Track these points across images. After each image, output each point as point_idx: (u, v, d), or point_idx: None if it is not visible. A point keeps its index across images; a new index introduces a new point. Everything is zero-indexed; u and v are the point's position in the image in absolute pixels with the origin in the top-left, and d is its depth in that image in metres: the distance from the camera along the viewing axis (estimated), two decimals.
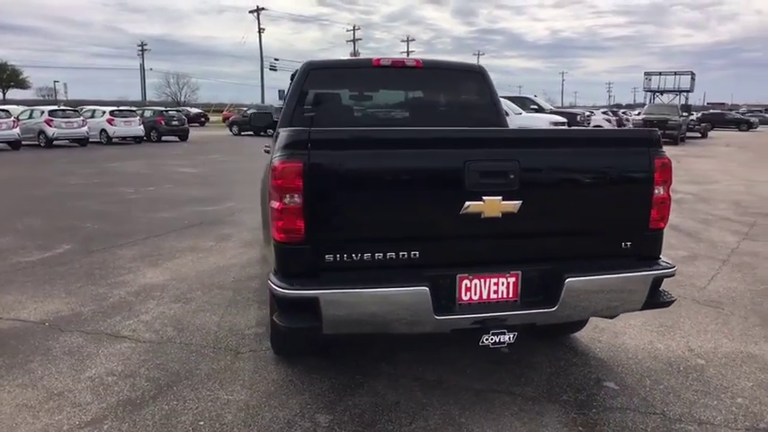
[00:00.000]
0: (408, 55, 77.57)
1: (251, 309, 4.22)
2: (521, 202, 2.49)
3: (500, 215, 2.50)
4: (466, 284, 2.55)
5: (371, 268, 2.48)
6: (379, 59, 4.25)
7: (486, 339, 2.51)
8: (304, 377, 3.14)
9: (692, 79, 30.77)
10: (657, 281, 2.69)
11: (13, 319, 4.00)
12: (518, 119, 16.88)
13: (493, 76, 4.36)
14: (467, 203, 2.47)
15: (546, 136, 2.87)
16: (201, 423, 2.67)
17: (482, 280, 2.57)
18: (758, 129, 42.95)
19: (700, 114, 37.18)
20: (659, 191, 2.68)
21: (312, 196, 2.38)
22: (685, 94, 30.64)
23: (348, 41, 70.02)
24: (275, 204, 2.44)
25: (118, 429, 2.61)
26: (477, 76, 4.40)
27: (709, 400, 2.91)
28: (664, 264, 2.72)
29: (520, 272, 2.59)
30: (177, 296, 4.49)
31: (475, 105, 4.39)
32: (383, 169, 2.47)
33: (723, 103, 67.34)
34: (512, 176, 2.49)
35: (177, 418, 2.72)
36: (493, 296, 2.59)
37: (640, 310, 2.75)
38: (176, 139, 26.63)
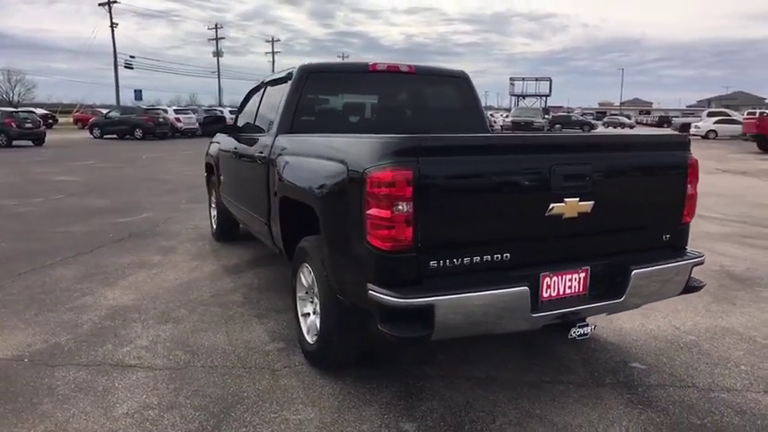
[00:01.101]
0: (273, 56, 76.46)
1: (252, 324, 3.99)
2: (593, 202, 2.68)
3: (576, 215, 2.67)
4: (547, 282, 2.69)
5: (470, 272, 2.52)
6: (375, 64, 4.25)
7: (575, 332, 2.67)
8: (360, 388, 3.07)
9: (550, 85, 33.96)
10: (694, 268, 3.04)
11: None
12: None
13: None
14: (551, 205, 2.61)
15: (612, 141, 3.09)
16: None
17: (560, 277, 2.72)
18: (598, 129, 48.49)
19: (550, 117, 41.05)
20: (690, 188, 3.02)
21: (420, 204, 2.37)
22: (545, 98, 33.71)
23: (210, 40, 66.88)
24: (381, 213, 2.37)
25: None
26: (463, 81, 4.57)
27: (720, 370, 3.34)
28: (695, 253, 3.07)
29: (589, 267, 2.79)
30: (161, 317, 4.11)
31: (463, 109, 4.56)
32: (482, 174, 2.52)
33: (561, 107, 74.52)
34: (587, 179, 2.67)
35: None
36: (567, 291, 2.75)
37: (678, 294, 3.08)
38: (30, 143, 23.76)
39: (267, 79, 4.82)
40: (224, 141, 5.72)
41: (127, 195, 10.06)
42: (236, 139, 5.17)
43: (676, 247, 3.07)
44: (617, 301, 2.78)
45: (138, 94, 53.76)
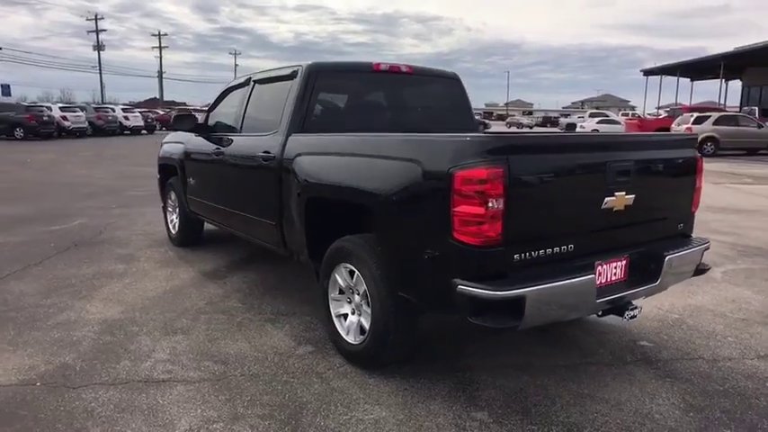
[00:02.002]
0: (161, 51, 72.43)
1: (267, 329, 3.88)
2: (634, 195, 2.94)
3: (623, 208, 2.91)
4: (599, 270, 2.90)
5: (543, 264, 2.66)
6: (378, 64, 4.28)
7: (628, 315, 2.91)
8: (413, 384, 3.11)
9: None
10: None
11: None
12: None
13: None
14: (606, 199, 2.83)
15: (648, 139, 3.34)
16: None
17: (608, 265, 2.94)
18: (491, 128, 51.11)
19: None
20: (698, 181, 3.39)
21: (508, 200, 2.47)
22: None
23: (90, 32, 62.03)
24: (472, 209, 2.44)
25: None
26: (455, 82, 4.73)
27: (713, 342, 3.76)
28: (701, 239, 3.44)
29: (628, 255, 3.04)
30: (165, 328, 3.87)
31: (456, 108, 4.71)
32: (558, 171, 2.67)
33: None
34: (631, 174, 2.92)
35: None
36: (613, 278, 2.98)
37: (690, 277, 3.43)
38: None
39: (256, 77, 4.66)
40: (193, 142, 5.45)
41: (45, 201, 9.18)
42: (213, 140, 4.97)
43: (686, 235, 3.43)
44: (653, 285, 3.05)
45: (5, 90, 48.63)
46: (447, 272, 2.57)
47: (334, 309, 3.46)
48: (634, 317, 2.95)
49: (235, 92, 5.14)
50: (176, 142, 6.00)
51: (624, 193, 2.89)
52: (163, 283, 4.87)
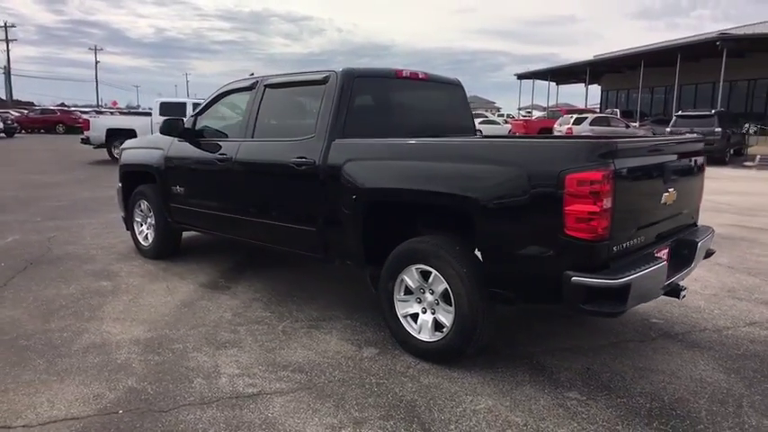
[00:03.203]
0: (8, 45, 64.86)
1: (319, 335, 3.87)
2: (677, 191, 3.39)
3: (671, 203, 3.35)
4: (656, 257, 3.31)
5: (629, 254, 3.01)
6: (401, 71, 4.41)
7: (682, 295, 3.34)
8: (496, 374, 3.30)
9: None
10: None
11: (52, 421, 2.75)
12: None
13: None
14: (663, 195, 3.25)
15: (680, 140, 3.77)
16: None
17: (660, 252, 3.36)
18: None
19: None
20: (704, 178, 3.94)
21: (614, 198, 2.77)
22: None
23: None
24: (587, 208, 2.71)
25: None
26: (459, 88, 4.99)
27: (706, 316, 4.35)
28: (708, 227, 4.00)
29: (669, 243, 3.48)
30: (211, 343, 3.72)
31: (461, 112, 4.97)
32: (641, 171, 3.02)
33: None
34: (677, 172, 3.37)
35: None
36: None
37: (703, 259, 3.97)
38: None
39: (268, 82, 4.56)
40: (178, 147, 5.20)
41: None
42: (210, 146, 4.81)
43: (695, 224, 3.97)
44: (690, 268, 3.53)
45: None
46: (558, 265, 2.81)
47: (402, 309, 3.55)
48: (685, 296, 3.39)
49: (234, 96, 4.99)
50: (150, 148, 5.66)
51: (673, 189, 3.32)
52: (168, 298, 4.61)
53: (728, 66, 26.13)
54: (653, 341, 3.85)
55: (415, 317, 3.52)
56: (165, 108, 17.11)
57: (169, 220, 5.50)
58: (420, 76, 4.55)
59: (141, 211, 5.87)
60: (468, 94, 5.23)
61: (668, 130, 20.55)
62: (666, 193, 3.26)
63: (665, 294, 3.35)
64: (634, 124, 28.19)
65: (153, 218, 5.68)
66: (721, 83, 25.84)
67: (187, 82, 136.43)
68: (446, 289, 3.29)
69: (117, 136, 17.00)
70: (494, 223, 3.06)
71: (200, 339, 3.77)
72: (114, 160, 16.80)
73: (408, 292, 3.54)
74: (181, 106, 17.13)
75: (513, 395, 3.06)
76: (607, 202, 2.73)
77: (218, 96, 5.13)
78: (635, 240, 3.06)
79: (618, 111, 33.27)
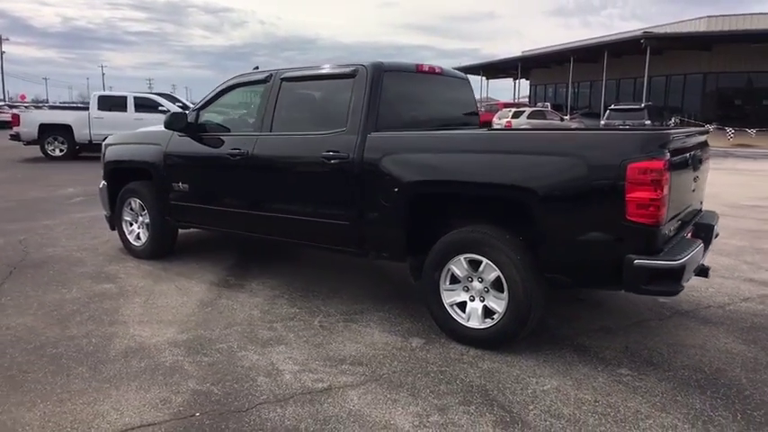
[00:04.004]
0: None
1: (359, 328, 3.88)
2: (698, 179, 3.67)
3: (694, 190, 3.63)
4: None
5: (671, 239, 3.24)
6: (421, 65, 4.48)
7: (709, 275, 3.62)
8: (546, 356, 3.45)
9: None
10: None
11: (130, 428, 2.63)
12: None
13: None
14: (693, 183, 3.51)
15: (700, 131, 4.02)
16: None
17: (688, 235, 3.63)
18: None
19: None
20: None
21: (668, 187, 2.97)
22: None
23: None
24: (649, 195, 2.90)
25: None
26: (467, 83, 5.12)
27: (704, 294, 4.71)
28: (713, 211, 4.33)
29: (692, 227, 3.76)
30: (253, 341, 3.65)
31: (468, 106, 5.10)
32: (684, 160, 3.25)
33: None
34: (699, 161, 3.64)
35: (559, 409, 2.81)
36: None
37: None
38: None
39: (284, 75, 4.48)
40: (180, 142, 5.02)
41: None
42: (218, 141, 4.71)
43: (701, 210, 4.30)
44: (709, 249, 3.82)
45: None
46: (619, 250, 2.99)
47: (449, 299, 3.63)
48: (709, 276, 3.68)
49: (244, 90, 4.88)
50: (144, 143, 5.42)
51: (698, 176, 3.60)
52: (183, 299, 4.46)
53: (648, 62, 27.91)
54: (669, 319, 4.14)
55: (461, 305, 3.61)
56: (104, 102, 16.25)
57: (167, 218, 5.29)
58: (436, 71, 4.64)
59: (132, 209, 5.61)
60: None
61: (603, 123, 21.74)
62: (695, 182, 3.53)
63: (696, 275, 3.62)
64: (566, 117, 29.55)
65: (147, 216, 5.44)
66: (645, 78, 27.54)
67: (103, 74, 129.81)
68: (498, 276, 3.40)
69: (51, 132, 15.97)
70: (553, 212, 3.20)
71: (241, 338, 3.69)
72: (49, 158, 15.80)
73: (454, 281, 3.62)
74: (122, 100, 16.33)
75: (571, 375, 3.22)
76: (666, 189, 2.93)
77: (223, 90, 4.98)
78: (675, 225, 3.30)
79: (549, 104, 34.72)
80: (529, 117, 25.17)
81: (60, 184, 10.97)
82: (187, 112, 5.06)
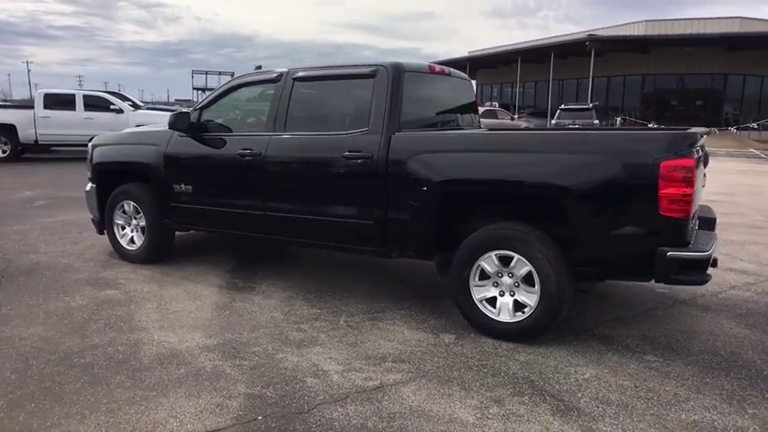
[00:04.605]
0: None
1: (385, 327, 3.92)
2: (705, 175, 3.93)
3: (704, 184, 3.88)
4: None
5: (693, 230, 3.46)
6: (434, 66, 4.56)
7: (717, 265, 3.86)
8: (575, 347, 3.60)
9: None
10: None
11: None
12: (137, 116, 15.97)
13: None
14: (703, 179, 3.75)
15: (703, 134, 4.26)
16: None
17: (700, 229, 3.87)
18: None
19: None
20: None
21: (697, 183, 3.18)
22: None
23: None
24: (682, 190, 3.09)
25: None
26: (469, 83, 5.24)
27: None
28: (707, 204, 4.62)
29: (698, 219, 4.01)
30: (287, 343, 3.63)
31: (469, 106, 5.22)
32: (702, 159, 3.46)
33: (189, 100, 65.42)
34: (706, 159, 3.89)
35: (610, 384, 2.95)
36: None
37: None
38: None
39: (296, 75, 4.45)
40: (181, 142, 4.91)
41: None
42: (223, 141, 4.66)
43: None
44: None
45: None
46: (653, 243, 3.17)
47: (478, 294, 3.73)
48: (717, 266, 3.94)
49: (251, 89, 4.83)
50: (140, 144, 5.26)
51: (705, 174, 3.84)
52: (197, 303, 4.36)
53: (589, 64, 29.07)
54: (673, 308, 4.39)
55: (491, 301, 3.71)
56: (51, 100, 15.47)
57: (167, 220, 5.15)
58: (446, 72, 4.73)
59: (124, 212, 5.41)
60: None
61: (553, 122, 22.49)
62: (704, 177, 3.77)
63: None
64: (514, 116, 30.37)
65: (143, 219, 5.27)
66: (590, 79, 28.69)
67: (29, 71, 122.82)
68: (529, 271, 3.53)
69: None
70: (588, 208, 3.35)
71: (273, 341, 3.66)
72: None
73: (483, 277, 3.72)
74: (70, 98, 15.62)
75: (605, 363, 3.38)
76: (695, 186, 3.13)
77: (227, 90, 4.90)
78: (695, 220, 3.52)
79: (497, 104, 35.56)
80: (481, 116, 25.69)
81: (14, 188, 10.39)
82: (188, 111, 4.93)
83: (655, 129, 4.62)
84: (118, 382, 3.08)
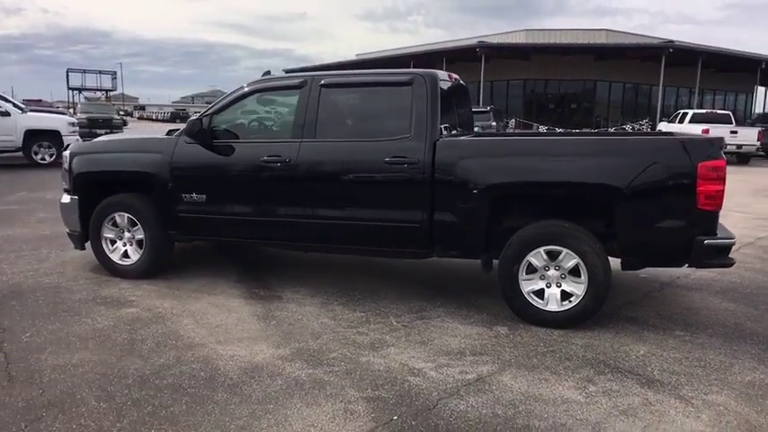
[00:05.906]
0: None
1: (437, 323, 4.10)
2: None
3: None
4: None
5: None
6: (451, 75, 4.81)
7: None
8: (611, 333, 4.03)
9: (114, 78, 31.85)
10: None
11: None
12: (27, 118, 14.66)
13: None
14: None
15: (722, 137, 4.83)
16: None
17: None
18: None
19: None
20: None
21: None
22: (107, 92, 31.50)
23: None
24: (716, 187, 3.63)
25: None
26: (464, 87, 5.54)
27: (684, 273, 5.70)
28: None
29: None
30: (360, 347, 3.69)
31: (470, 110, 5.53)
32: None
33: (40, 100, 59.39)
34: None
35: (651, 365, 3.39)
36: None
37: None
38: None
39: (322, 81, 4.47)
40: (190, 150, 4.73)
41: None
42: (239, 148, 4.61)
43: None
44: None
45: None
46: (691, 233, 3.68)
47: (527, 287, 4.04)
48: None
49: (269, 96, 4.75)
50: (139, 152, 4.97)
51: None
52: (234, 315, 4.24)
53: (477, 69, 30.87)
54: (663, 290, 5.02)
55: (538, 292, 4.04)
56: None
57: (171, 231, 4.90)
58: (454, 77, 5.00)
59: (115, 225, 5.05)
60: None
61: None
62: None
63: None
64: None
65: (140, 231, 4.96)
66: (481, 83, 30.44)
67: None
68: (576, 264, 3.90)
69: None
70: (634, 205, 3.78)
71: (344, 346, 3.70)
72: None
73: (531, 271, 4.03)
74: None
75: (648, 341, 3.84)
76: (725, 183, 3.68)
77: (239, 97, 4.76)
78: None
79: None
80: None
81: None
82: (199, 118, 4.73)
83: (691, 134, 5.18)
84: (223, 399, 2.98)
